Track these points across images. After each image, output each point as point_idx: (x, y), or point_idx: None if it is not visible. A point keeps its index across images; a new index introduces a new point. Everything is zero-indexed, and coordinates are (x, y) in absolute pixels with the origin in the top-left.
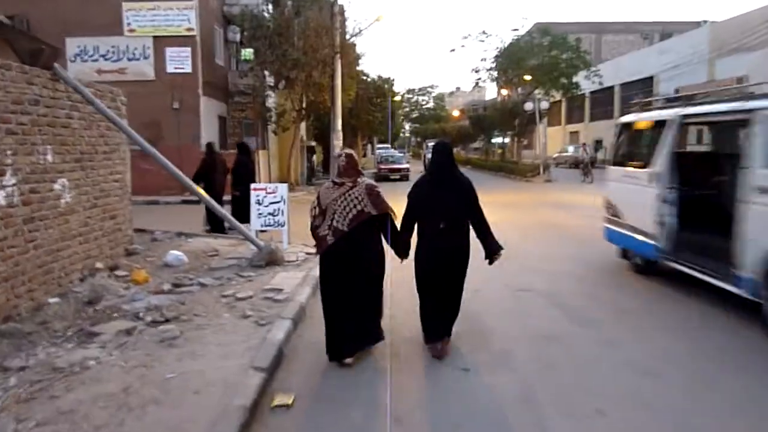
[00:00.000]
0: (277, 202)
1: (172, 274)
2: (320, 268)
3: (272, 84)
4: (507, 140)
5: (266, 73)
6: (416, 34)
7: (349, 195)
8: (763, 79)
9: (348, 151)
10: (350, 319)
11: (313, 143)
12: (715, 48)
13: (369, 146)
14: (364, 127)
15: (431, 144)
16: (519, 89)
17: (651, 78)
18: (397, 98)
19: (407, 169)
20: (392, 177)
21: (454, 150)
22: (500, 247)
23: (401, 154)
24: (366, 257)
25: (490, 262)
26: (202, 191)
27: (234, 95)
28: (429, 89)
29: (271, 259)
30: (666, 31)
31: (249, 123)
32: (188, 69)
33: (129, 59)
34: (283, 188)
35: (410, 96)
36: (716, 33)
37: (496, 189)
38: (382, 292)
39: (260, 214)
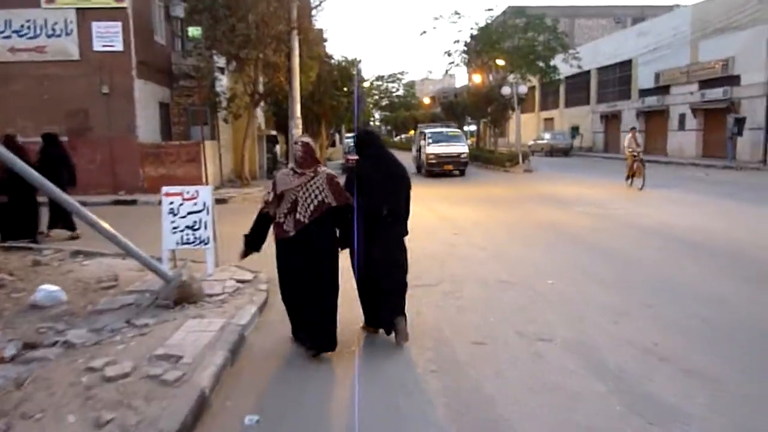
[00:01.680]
0: (199, 211)
1: (37, 322)
2: (278, 258)
3: (222, 66)
4: (479, 128)
5: (215, 53)
6: (384, 18)
7: (311, 185)
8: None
9: (304, 139)
10: (313, 309)
11: (274, 132)
12: (698, 29)
13: (337, 135)
14: (328, 113)
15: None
16: (491, 74)
17: (629, 61)
18: (366, 84)
19: None
20: None
21: None
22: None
23: None
24: (325, 249)
25: None
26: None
27: (179, 79)
28: (399, 76)
29: (182, 295)
30: (639, 15)
31: (196, 110)
32: (119, 47)
33: (48, 35)
34: (205, 192)
35: (379, 83)
36: (699, 13)
37: (473, 181)
38: (338, 288)
39: (175, 228)
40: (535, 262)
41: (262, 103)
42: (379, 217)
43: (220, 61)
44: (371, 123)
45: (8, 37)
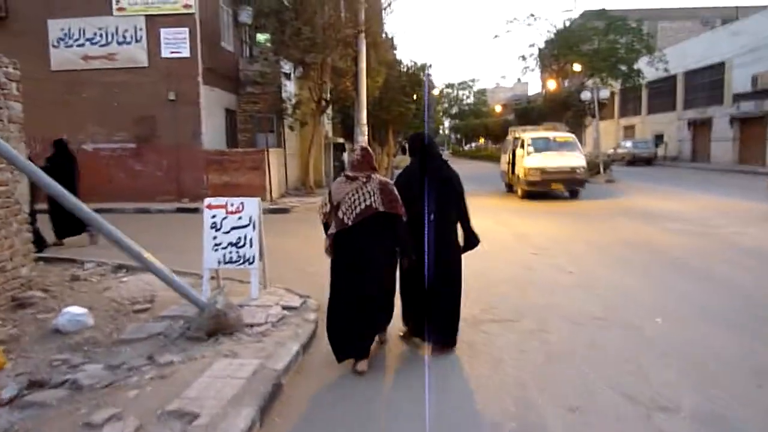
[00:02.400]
0: (244, 226)
1: (54, 351)
2: (332, 266)
3: (288, 72)
4: None
5: (281, 58)
6: (455, 23)
7: (361, 189)
8: None
9: (364, 145)
10: (356, 318)
11: (341, 140)
12: None
13: (403, 143)
14: (396, 120)
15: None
16: (567, 80)
17: (722, 64)
18: (435, 91)
19: None
20: None
21: (497, 146)
22: (479, 241)
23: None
24: (375, 256)
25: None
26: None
27: (245, 85)
28: (469, 83)
29: (217, 326)
30: (729, 16)
31: (262, 117)
32: (186, 53)
33: (119, 43)
34: (252, 205)
35: (449, 91)
36: None
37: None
38: (393, 297)
39: (218, 244)
40: (632, 293)
41: (329, 110)
42: (425, 222)
43: (287, 66)
44: (440, 131)
45: (82, 45)
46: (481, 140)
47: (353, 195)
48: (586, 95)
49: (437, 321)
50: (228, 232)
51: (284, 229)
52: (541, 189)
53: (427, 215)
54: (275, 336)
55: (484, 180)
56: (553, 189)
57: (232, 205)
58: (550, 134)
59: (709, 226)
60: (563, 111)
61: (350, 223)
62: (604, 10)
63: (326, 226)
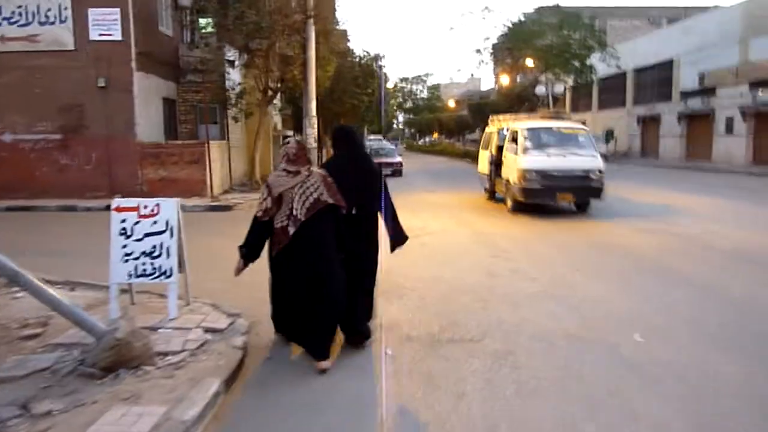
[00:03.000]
0: (160, 232)
1: None
2: (274, 270)
3: (232, 59)
4: None
5: (225, 45)
6: (409, 17)
7: (306, 183)
8: None
9: (298, 138)
10: (313, 317)
11: (290, 133)
12: (750, 26)
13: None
14: (348, 113)
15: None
16: (518, 76)
17: (671, 62)
18: (390, 85)
19: (399, 164)
20: (383, 172)
21: (451, 141)
22: (407, 237)
23: (393, 147)
24: (327, 251)
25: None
26: None
27: (186, 73)
28: (423, 78)
29: (118, 358)
30: (676, 16)
31: (204, 107)
32: (117, 36)
33: (41, 23)
34: (169, 207)
35: (403, 85)
36: (751, 9)
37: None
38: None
39: (128, 254)
40: (607, 302)
41: (277, 101)
42: (350, 215)
43: (231, 53)
44: (394, 125)
45: None
46: (435, 135)
47: (300, 189)
48: (540, 90)
49: (351, 314)
50: (140, 240)
51: (221, 230)
52: (541, 200)
53: (354, 208)
54: (191, 369)
55: (450, 177)
56: (562, 199)
57: (145, 207)
58: (553, 124)
59: (674, 224)
60: (518, 105)
61: (303, 218)
62: (558, 5)
63: (258, 224)
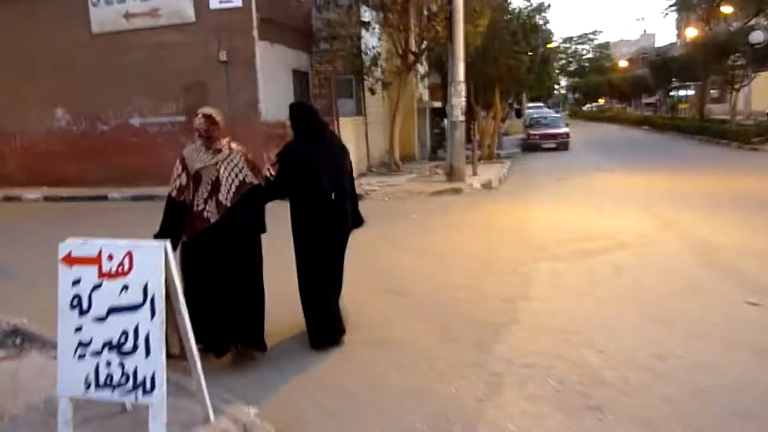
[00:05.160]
0: (134, 306)
1: None
2: (185, 259)
3: (368, 20)
4: (703, 92)
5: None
6: None
7: (231, 162)
8: None
9: (206, 110)
10: (240, 306)
11: (439, 104)
12: None
13: (515, 106)
14: (505, 77)
15: None
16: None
17: None
18: (553, 44)
19: (566, 135)
20: (545, 146)
21: (623, 106)
22: (363, 220)
23: (557, 115)
24: (250, 236)
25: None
26: None
27: (319, 41)
28: (590, 36)
29: None
30: None
31: (333, 78)
32: (238, 2)
33: None
34: (149, 259)
35: (567, 45)
36: None
37: (703, 165)
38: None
39: (84, 344)
40: None
41: (420, 67)
42: (326, 200)
43: (367, 14)
44: (555, 90)
45: (122, 1)
46: (601, 100)
47: (225, 170)
48: (757, 36)
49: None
50: (102, 320)
51: None
52: None
53: (329, 193)
54: None
55: (629, 149)
56: None
57: (109, 258)
58: None
59: None
60: (718, 60)
61: (230, 204)
62: None
63: (172, 205)
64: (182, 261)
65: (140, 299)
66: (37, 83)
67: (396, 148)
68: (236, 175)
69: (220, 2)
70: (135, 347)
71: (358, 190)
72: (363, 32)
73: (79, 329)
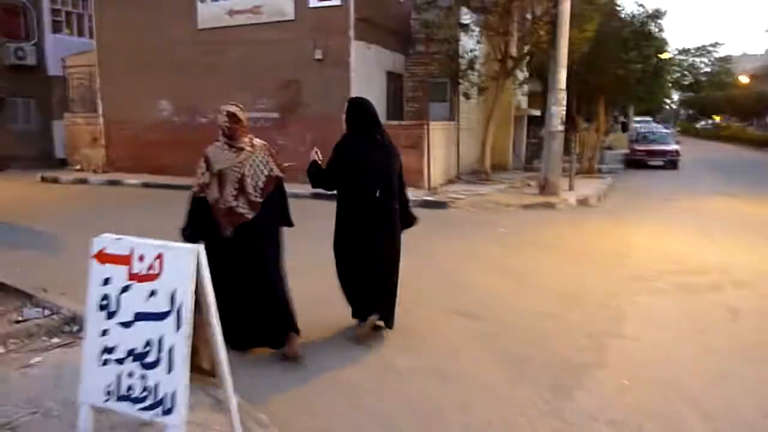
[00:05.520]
0: (161, 314)
1: None
2: (211, 259)
3: (467, 22)
4: None
5: (457, 4)
6: None
7: (255, 158)
8: None
9: (229, 108)
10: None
11: (538, 112)
12: None
13: (620, 118)
14: (612, 87)
15: None
16: None
17: None
18: (668, 55)
19: (676, 152)
20: (651, 163)
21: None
22: (416, 218)
23: (666, 131)
24: (276, 230)
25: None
26: None
27: (416, 43)
28: (709, 48)
29: None
30: None
31: (426, 82)
32: (336, 0)
33: None
34: (180, 263)
35: (683, 58)
36: None
37: None
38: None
39: (108, 349)
40: None
41: (519, 74)
42: (372, 198)
43: (466, 16)
44: (666, 105)
45: None
46: (717, 118)
47: (250, 169)
48: None
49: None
50: (128, 326)
51: (409, 241)
52: None
53: (374, 191)
54: None
55: (754, 173)
56: None
57: (141, 258)
58: None
59: None
60: None
61: (261, 199)
62: None
63: (197, 201)
64: (211, 256)
65: (167, 307)
66: (145, 76)
67: (488, 156)
68: (261, 171)
69: (319, 0)
70: (158, 360)
71: (442, 198)
72: (461, 35)
73: (105, 333)
